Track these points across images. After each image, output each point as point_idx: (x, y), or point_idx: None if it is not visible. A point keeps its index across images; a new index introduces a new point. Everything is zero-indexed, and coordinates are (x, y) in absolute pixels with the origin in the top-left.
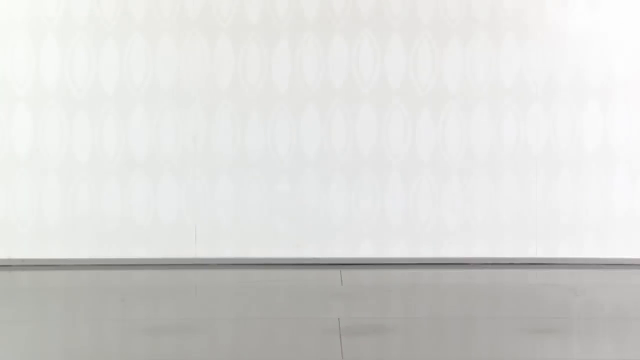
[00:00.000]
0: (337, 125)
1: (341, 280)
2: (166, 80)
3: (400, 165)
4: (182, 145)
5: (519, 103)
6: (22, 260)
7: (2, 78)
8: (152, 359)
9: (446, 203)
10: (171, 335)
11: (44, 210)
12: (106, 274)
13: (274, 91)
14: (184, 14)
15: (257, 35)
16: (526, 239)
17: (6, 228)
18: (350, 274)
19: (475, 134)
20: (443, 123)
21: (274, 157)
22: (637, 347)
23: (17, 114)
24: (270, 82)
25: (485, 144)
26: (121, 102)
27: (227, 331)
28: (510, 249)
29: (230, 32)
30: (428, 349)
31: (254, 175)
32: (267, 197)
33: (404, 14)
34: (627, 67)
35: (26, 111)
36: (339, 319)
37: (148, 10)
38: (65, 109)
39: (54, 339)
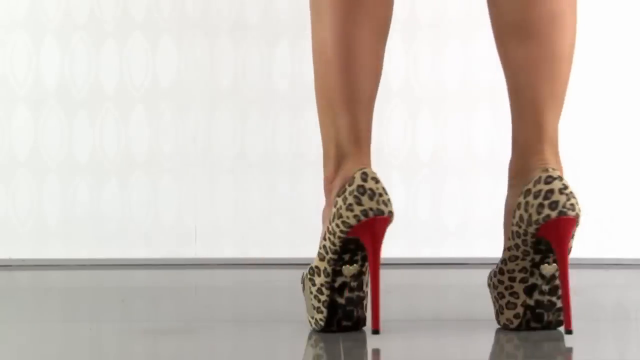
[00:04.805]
0: None
1: None
2: (166, 80)
3: (400, 165)
4: (182, 145)
5: None
6: (22, 260)
7: (2, 78)
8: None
9: (446, 203)
10: (172, 336)
11: (44, 210)
12: (106, 274)
13: (274, 91)
14: (184, 14)
15: (257, 35)
16: None
17: (6, 228)
18: None
19: (476, 133)
20: (443, 123)
21: (274, 157)
22: (638, 347)
23: (17, 114)
24: (270, 82)
25: (486, 144)
26: (121, 102)
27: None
28: None
29: (230, 32)
30: (429, 350)
31: (254, 175)
32: (267, 197)
33: (403, 14)
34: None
35: (26, 111)
36: None
37: (148, 10)
38: (65, 109)
39: (54, 340)
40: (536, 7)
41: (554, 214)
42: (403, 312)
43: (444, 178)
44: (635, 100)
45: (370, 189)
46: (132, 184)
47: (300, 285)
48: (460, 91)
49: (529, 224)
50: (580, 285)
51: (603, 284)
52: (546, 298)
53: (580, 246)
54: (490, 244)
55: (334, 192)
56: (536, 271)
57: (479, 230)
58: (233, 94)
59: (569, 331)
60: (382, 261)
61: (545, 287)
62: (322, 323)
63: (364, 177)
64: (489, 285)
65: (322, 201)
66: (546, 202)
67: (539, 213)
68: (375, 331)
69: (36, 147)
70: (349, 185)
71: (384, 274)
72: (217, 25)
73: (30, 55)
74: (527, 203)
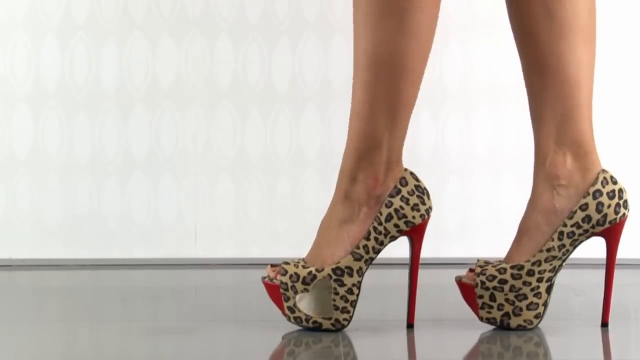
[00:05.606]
0: (337, 125)
1: None
2: (166, 80)
3: None
4: (182, 145)
5: (518, 102)
6: (22, 260)
7: (2, 78)
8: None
9: (446, 203)
10: (172, 336)
11: (44, 210)
12: (106, 274)
13: (274, 91)
14: (184, 14)
15: (257, 35)
16: None
17: (6, 228)
18: None
19: (475, 133)
20: (443, 123)
21: (274, 157)
22: (638, 347)
23: (17, 114)
24: (270, 82)
25: (486, 144)
26: (121, 102)
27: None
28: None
29: (230, 32)
30: (429, 350)
31: (254, 175)
32: (267, 197)
33: None
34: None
35: (26, 111)
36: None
37: (148, 10)
38: (65, 109)
39: (54, 340)
40: (594, 10)
41: (627, 212)
42: (403, 311)
43: (444, 178)
44: (634, 99)
45: (425, 188)
46: (132, 184)
47: (288, 293)
48: (460, 91)
49: (599, 223)
50: (580, 285)
51: (603, 283)
52: (551, 295)
53: (580, 246)
54: (490, 244)
55: (386, 193)
56: (559, 269)
57: (479, 230)
58: (233, 94)
59: (605, 324)
60: (381, 261)
61: (554, 284)
62: (346, 323)
63: (415, 176)
64: (484, 288)
65: (321, 201)
66: (621, 202)
67: (616, 212)
68: (411, 325)
69: (36, 147)
70: (403, 186)
71: (384, 274)
72: (217, 25)
73: (30, 55)
74: (600, 203)
